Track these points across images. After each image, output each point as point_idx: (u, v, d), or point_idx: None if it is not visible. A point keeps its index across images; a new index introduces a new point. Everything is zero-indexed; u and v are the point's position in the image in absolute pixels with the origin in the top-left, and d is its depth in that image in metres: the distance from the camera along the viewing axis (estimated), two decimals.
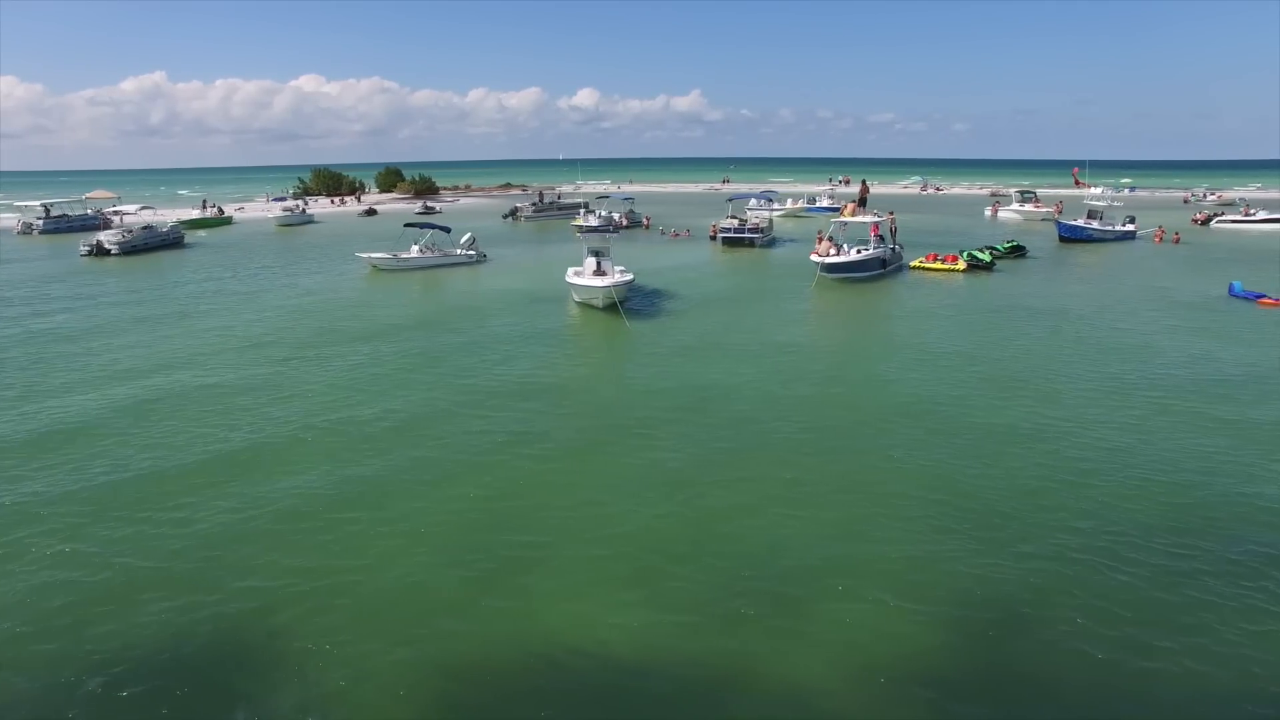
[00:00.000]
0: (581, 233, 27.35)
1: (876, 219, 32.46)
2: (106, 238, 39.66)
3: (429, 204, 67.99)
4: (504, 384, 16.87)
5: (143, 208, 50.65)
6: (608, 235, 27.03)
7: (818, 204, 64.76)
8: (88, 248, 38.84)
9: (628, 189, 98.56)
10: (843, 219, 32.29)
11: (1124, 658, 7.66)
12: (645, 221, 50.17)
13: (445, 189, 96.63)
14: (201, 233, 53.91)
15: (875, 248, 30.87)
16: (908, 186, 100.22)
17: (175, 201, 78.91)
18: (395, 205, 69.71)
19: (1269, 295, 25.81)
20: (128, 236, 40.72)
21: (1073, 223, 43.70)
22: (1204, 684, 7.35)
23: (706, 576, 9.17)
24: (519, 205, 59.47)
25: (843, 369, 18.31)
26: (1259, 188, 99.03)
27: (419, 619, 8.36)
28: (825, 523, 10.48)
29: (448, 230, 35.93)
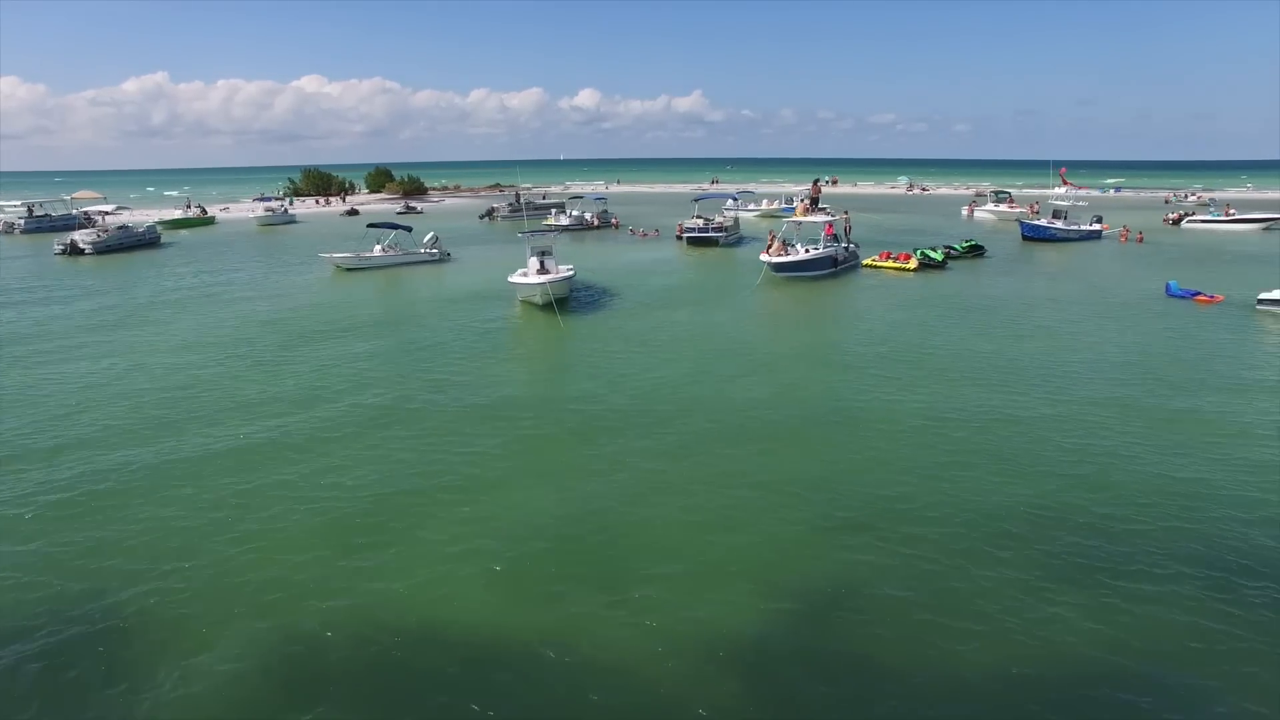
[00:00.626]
0: (523, 233, 27.81)
1: (830, 219, 32.94)
2: (80, 237, 40.30)
3: (410, 204, 68.66)
4: (422, 378, 17.40)
5: (119, 208, 51.10)
6: (551, 236, 27.53)
7: (793, 204, 65.28)
8: (61, 246, 39.50)
9: (616, 190, 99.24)
10: (796, 219, 32.79)
11: (968, 641, 8.05)
12: (614, 222, 50.71)
13: (434, 189, 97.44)
14: (184, 232, 54.66)
15: (827, 247, 31.36)
16: (895, 187, 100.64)
17: (161, 202, 79.63)
18: (378, 206, 70.34)
19: (1204, 293, 26.24)
20: (102, 236, 41.38)
21: (1036, 222, 44.10)
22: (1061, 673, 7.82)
23: (561, 561, 9.66)
24: (495, 206, 60.04)
25: (754, 367, 18.74)
26: (1250, 187, 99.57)
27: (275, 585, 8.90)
28: (698, 511, 10.94)
29: (409, 230, 36.54)
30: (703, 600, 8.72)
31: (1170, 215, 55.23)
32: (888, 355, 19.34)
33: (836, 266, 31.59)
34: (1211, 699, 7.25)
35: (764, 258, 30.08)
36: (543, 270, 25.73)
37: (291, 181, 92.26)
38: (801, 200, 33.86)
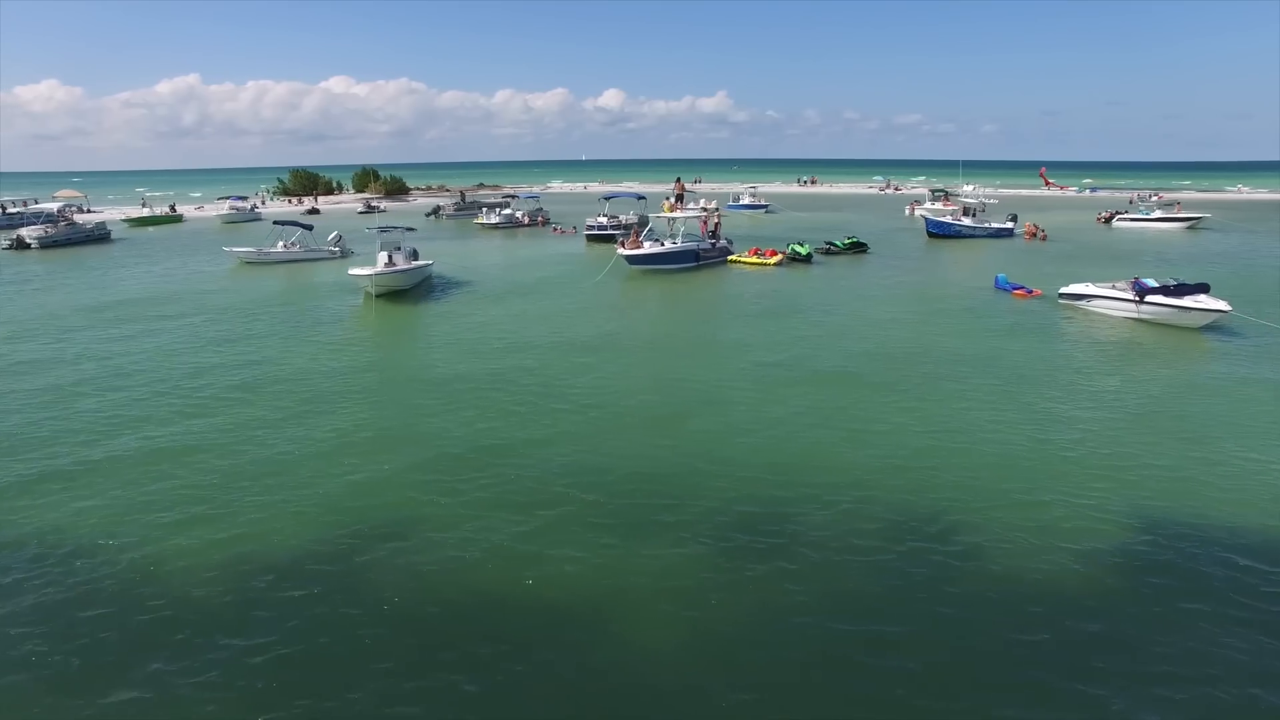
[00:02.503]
0: (371, 228, 29.65)
1: (698, 215, 34.31)
2: (27, 233, 43.18)
3: (373, 204, 71.07)
4: (222, 363, 19.28)
5: (66, 206, 53.20)
6: (399, 232, 29.33)
7: (740, 202, 66.53)
8: (9, 241, 42.42)
9: (595, 189, 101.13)
10: (664, 215, 34.18)
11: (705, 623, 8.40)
12: (540, 220, 52.52)
13: (418, 189, 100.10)
14: (150, 229, 57.72)
15: (688, 241, 32.73)
16: (871, 186, 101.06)
17: (186, 202, 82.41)
18: (339, 205, 72.92)
19: (1024, 288, 27.11)
20: (50, 232, 44.23)
21: (940, 219, 44.89)
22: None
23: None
24: (441, 204, 62.25)
25: (508, 350, 20.26)
26: (1241, 188, 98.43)
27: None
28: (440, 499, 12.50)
29: (310, 228, 38.72)
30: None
31: (1102, 214, 55.58)
32: (649, 340, 20.79)
33: (699, 261, 32.94)
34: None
35: (620, 251, 31.57)
36: (390, 263, 27.60)
37: (281, 181, 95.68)
38: (668, 199, 35.18)
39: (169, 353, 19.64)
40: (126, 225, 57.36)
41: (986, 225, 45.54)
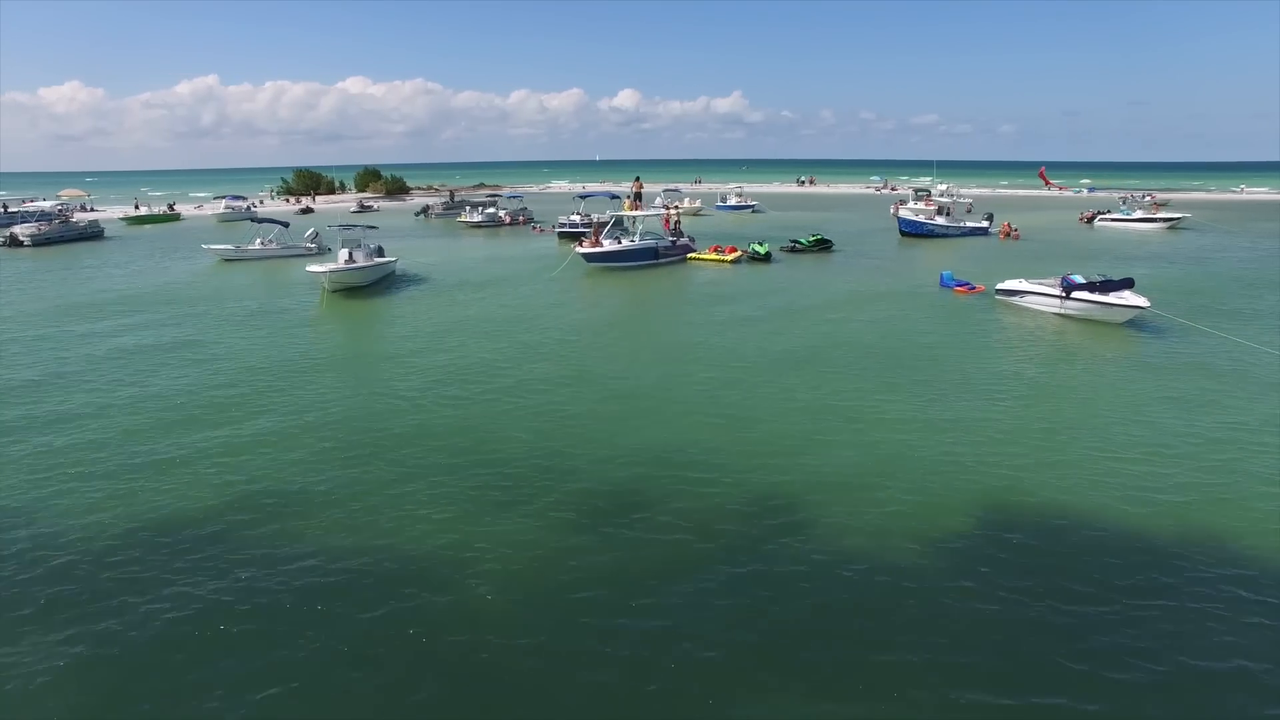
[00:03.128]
0: (333, 225, 30.53)
1: (658, 214, 34.96)
2: (21, 230, 44.61)
3: (366, 203, 72.29)
4: (174, 348, 20.20)
5: (63, 205, 54.73)
6: (359, 230, 30.21)
7: (727, 203, 67.06)
8: (3, 239, 43.88)
9: (593, 189, 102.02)
10: (628, 213, 34.81)
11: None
12: (520, 219, 53.37)
13: (417, 189, 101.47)
14: (147, 227, 59.27)
15: (642, 239, 33.37)
16: (868, 186, 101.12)
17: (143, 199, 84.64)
18: (334, 205, 74.20)
19: (966, 284, 27.47)
20: (43, 229, 45.65)
21: (913, 218, 45.17)
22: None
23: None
24: (430, 204, 63.31)
25: (427, 343, 21.01)
26: (1242, 188, 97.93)
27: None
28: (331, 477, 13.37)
29: (286, 225, 39.77)
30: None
31: (1084, 214, 55.62)
32: (580, 329, 21.46)
33: (658, 258, 33.55)
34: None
35: (578, 249, 32.25)
36: (350, 260, 28.49)
37: (285, 181, 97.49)
38: (628, 198, 35.80)
39: (117, 346, 20.59)
40: (124, 224, 58.89)
41: (961, 224, 45.80)
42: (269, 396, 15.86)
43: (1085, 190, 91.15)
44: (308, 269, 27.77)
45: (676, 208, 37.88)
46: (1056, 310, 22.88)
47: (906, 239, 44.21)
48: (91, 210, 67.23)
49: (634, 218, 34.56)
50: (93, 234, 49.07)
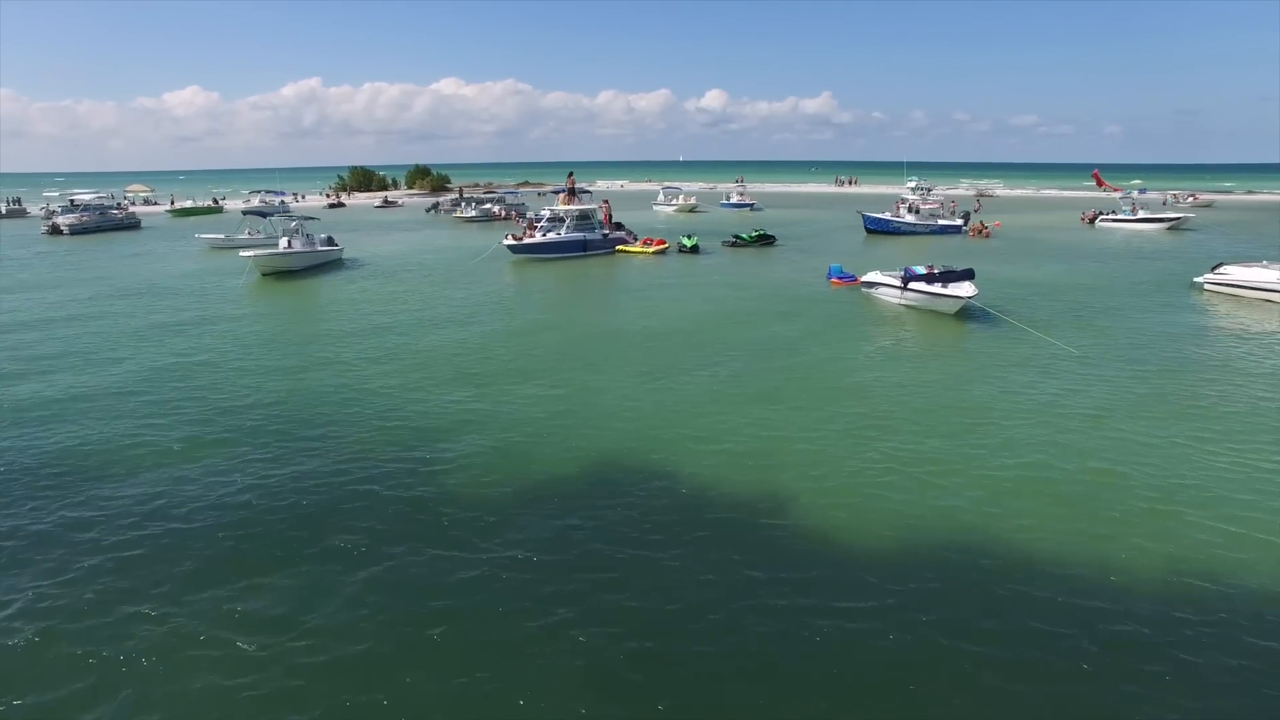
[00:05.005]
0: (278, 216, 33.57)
1: (591, 208, 36.64)
2: (62, 220, 50.29)
3: (389, 199, 76.77)
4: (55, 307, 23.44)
5: (98, 197, 60.31)
6: (302, 221, 33.11)
7: (730, 201, 67.79)
8: (47, 227, 49.63)
9: (643, 187, 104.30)
10: (561, 207, 36.52)
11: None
12: (513, 214, 55.67)
13: (465, 185, 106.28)
14: (190, 219, 65.26)
15: (573, 230, 35.00)
16: (904, 188, 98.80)
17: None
18: (360, 202, 78.99)
19: (848, 277, 27.81)
20: (83, 219, 51.29)
21: (878, 216, 44.96)
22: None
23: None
24: (440, 200, 66.80)
25: (357, 322, 23.33)
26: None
27: None
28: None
29: (265, 217, 43.46)
30: None
31: (1086, 214, 53.66)
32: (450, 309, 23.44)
33: (586, 250, 35.12)
34: None
35: (506, 242, 34.22)
36: (289, 247, 31.52)
37: (341, 178, 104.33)
38: (561, 193, 37.43)
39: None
40: (169, 215, 64.98)
41: (931, 222, 45.22)
42: (125, 350, 18.55)
43: (1137, 191, 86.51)
44: (241, 254, 30.83)
45: (606, 204, 39.07)
46: (898, 300, 23.21)
47: (871, 236, 44.08)
48: (156, 205, 74.58)
49: (568, 211, 36.23)
50: (129, 224, 54.74)
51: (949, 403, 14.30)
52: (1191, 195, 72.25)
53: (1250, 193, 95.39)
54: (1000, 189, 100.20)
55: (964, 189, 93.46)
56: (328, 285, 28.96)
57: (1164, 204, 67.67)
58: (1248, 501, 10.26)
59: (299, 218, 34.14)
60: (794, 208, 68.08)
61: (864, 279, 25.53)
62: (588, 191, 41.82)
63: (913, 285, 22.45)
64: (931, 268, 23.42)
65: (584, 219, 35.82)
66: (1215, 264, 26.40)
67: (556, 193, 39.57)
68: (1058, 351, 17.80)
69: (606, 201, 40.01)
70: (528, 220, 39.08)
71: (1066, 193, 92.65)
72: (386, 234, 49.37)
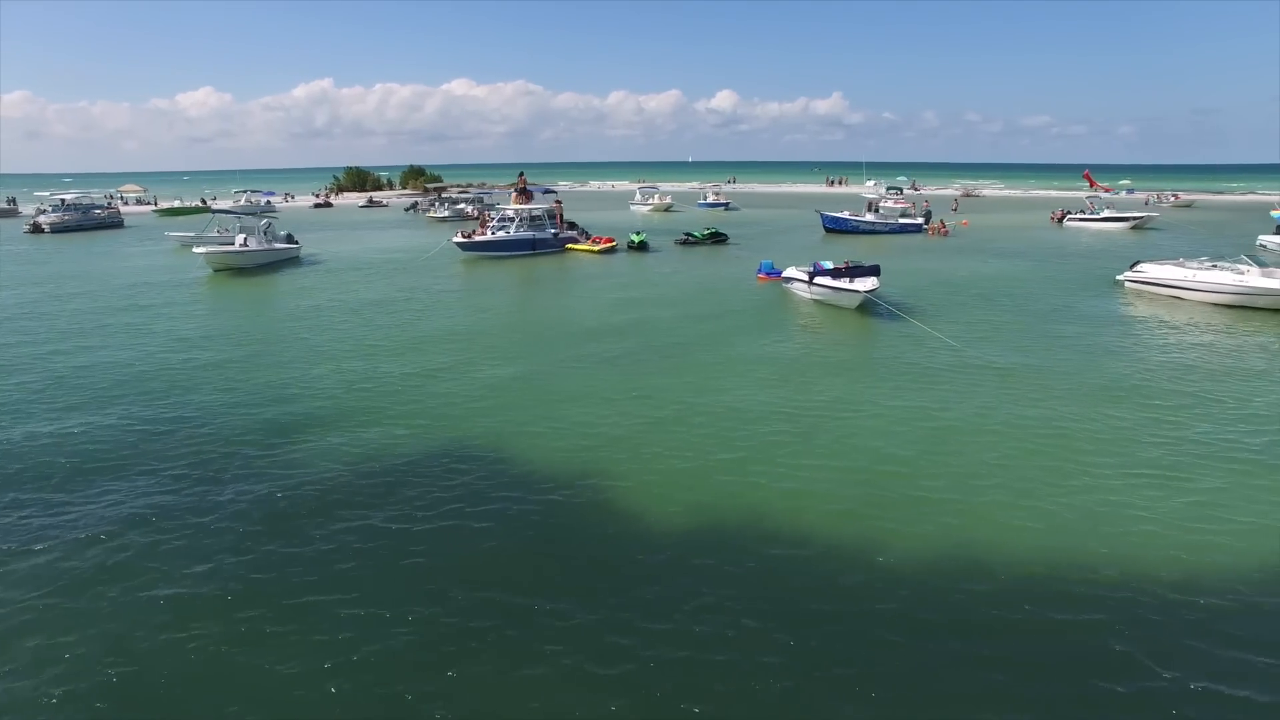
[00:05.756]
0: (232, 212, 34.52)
1: (543, 207, 37.35)
2: (44, 218, 51.57)
3: (374, 199, 78.00)
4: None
5: (81, 195, 61.73)
6: (263, 218, 34.07)
7: (706, 200, 68.38)
8: (28, 225, 50.89)
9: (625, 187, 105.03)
10: (513, 205, 37.25)
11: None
12: (483, 214, 56.41)
13: (456, 186, 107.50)
14: (179, 218, 66.54)
15: (523, 229, 35.67)
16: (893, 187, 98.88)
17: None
18: (347, 202, 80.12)
19: (775, 274, 28.26)
20: (64, 218, 52.53)
21: (836, 215, 45.32)
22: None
23: None
24: (418, 200, 67.88)
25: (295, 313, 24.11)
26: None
27: None
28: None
29: (234, 215, 44.40)
30: None
31: (1055, 213, 53.85)
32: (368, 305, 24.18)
33: (535, 249, 35.79)
34: None
35: (453, 240, 34.97)
36: (244, 244, 32.45)
37: (336, 179, 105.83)
38: (512, 193, 38.21)
39: None
40: (156, 215, 66.30)
41: (891, 222, 45.54)
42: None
43: (1125, 191, 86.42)
44: (194, 250, 31.73)
45: (559, 203, 39.83)
46: (806, 294, 23.70)
47: (830, 235, 44.43)
48: (148, 204, 76.14)
49: (517, 210, 36.95)
50: (112, 223, 55.96)
51: (802, 394, 14.72)
52: (1174, 195, 72.35)
53: (1249, 193, 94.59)
54: (990, 189, 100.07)
55: (954, 190, 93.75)
56: (276, 281, 29.76)
57: (1145, 204, 67.79)
58: (1043, 469, 10.81)
59: (270, 216, 35.10)
60: (772, 207, 68.44)
61: (784, 274, 26.01)
62: (552, 191, 42.62)
63: (818, 280, 22.93)
64: (849, 263, 23.98)
65: (535, 219, 36.52)
66: (1134, 262, 26.67)
67: (525, 191, 40.37)
68: (936, 343, 18.25)
69: (559, 201, 40.72)
70: (480, 218, 39.81)
71: (1056, 193, 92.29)
72: (354, 232, 50.28)
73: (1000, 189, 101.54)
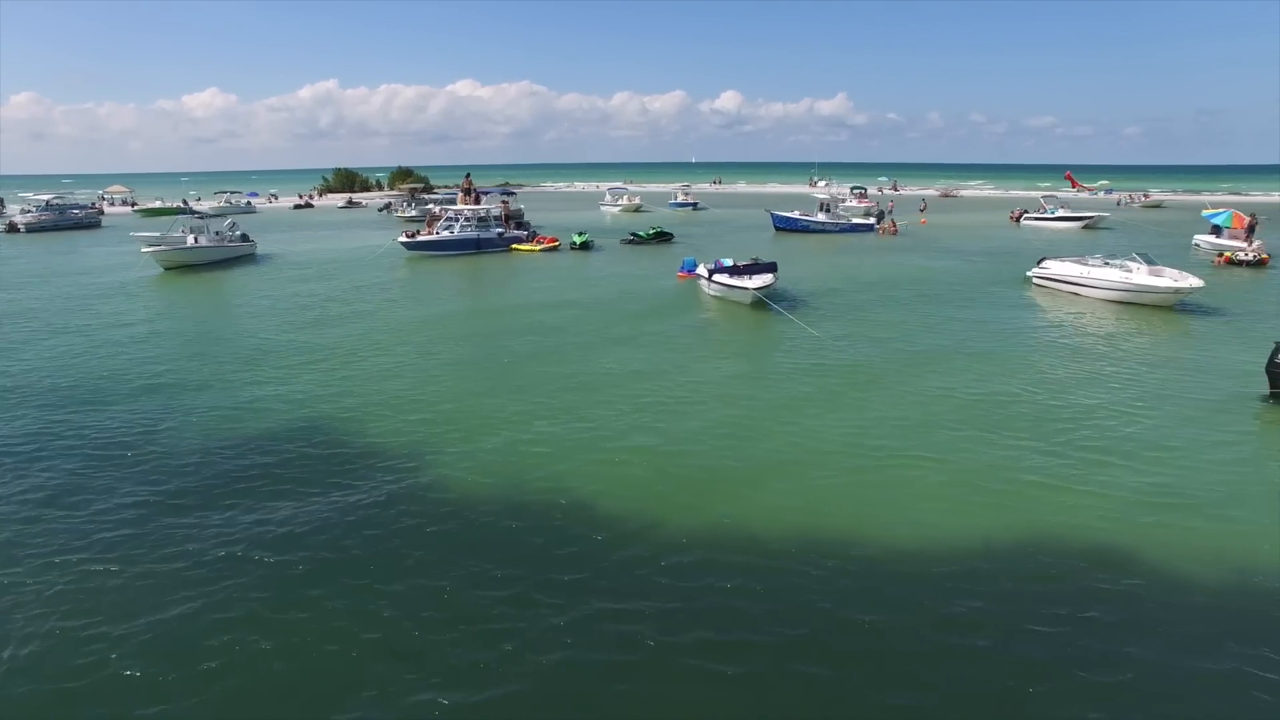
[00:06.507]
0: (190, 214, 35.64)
1: (489, 208, 38.35)
2: (19, 218, 52.85)
3: (353, 199, 79.15)
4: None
5: (55, 196, 63.23)
6: (210, 218, 35.19)
7: (675, 200, 69.28)
8: (4, 225, 52.16)
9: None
10: (459, 206, 38.18)
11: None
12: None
13: (444, 187, 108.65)
14: (160, 218, 67.80)
15: (468, 229, 36.61)
16: (876, 187, 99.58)
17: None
18: (329, 202, 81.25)
19: (693, 271, 29.03)
20: (40, 218, 53.80)
21: (786, 214, 46.11)
22: None
23: None
24: (391, 201, 68.95)
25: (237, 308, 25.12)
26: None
27: None
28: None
29: (202, 216, 45.54)
30: None
31: (1013, 213, 54.52)
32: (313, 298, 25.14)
33: (479, 248, 36.72)
34: None
35: (399, 239, 35.96)
36: (195, 242, 33.60)
37: (325, 180, 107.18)
38: (461, 193, 39.22)
39: None
40: (136, 215, 67.58)
41: (842, 221, 46.30)
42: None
43: (1103, 192, 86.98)
44: (142, 250, 32.76)
45: (506, 203, 40.85)
46: (708, 291, 24.55)
47: (780, 234, 45.19)
48: (134, 205, 77.57)
49: (458, 210, 37.90)
50: (89, 223, 57.16)
51: (670, 383, 15.50)
52: (1144, 195, 73.02)
53: (1237, 194, 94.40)
54: (971, 190, 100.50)
55: (933, 190, 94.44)
56: (224, 278, 30.84)
57: (1118, 204, 68.49)
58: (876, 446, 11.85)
59: (237, 215, 36.17)
60: (739, 207, 69.09)
61: (698, 271, 26.82)
62: (489, 193, 43.69)
63: (715, 277, 23.76)
64: (755, 260, 24.75)
65: (481, 219, 37.47)
66: (1040, 259, 27.38)
67: (486, 193, 41.41)
68: (805, 337, 19.10)
69: (505, 201, 41.71)
70: (427, 218, 40.83)
71: (1036, 193, 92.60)
72: (321, 231, 51.37)
73: (982, 189, 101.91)
